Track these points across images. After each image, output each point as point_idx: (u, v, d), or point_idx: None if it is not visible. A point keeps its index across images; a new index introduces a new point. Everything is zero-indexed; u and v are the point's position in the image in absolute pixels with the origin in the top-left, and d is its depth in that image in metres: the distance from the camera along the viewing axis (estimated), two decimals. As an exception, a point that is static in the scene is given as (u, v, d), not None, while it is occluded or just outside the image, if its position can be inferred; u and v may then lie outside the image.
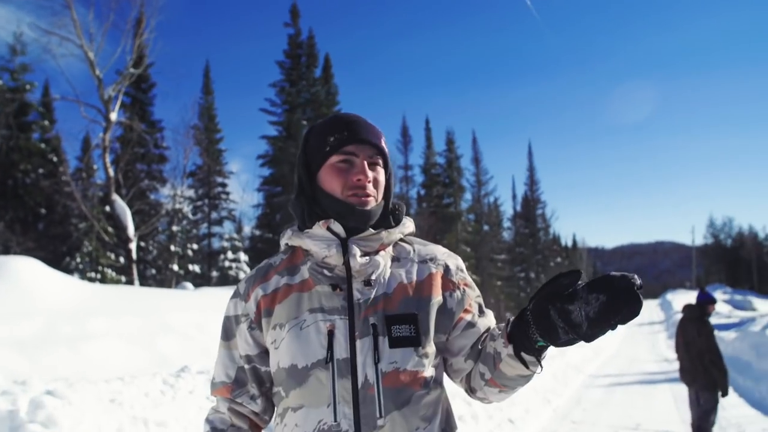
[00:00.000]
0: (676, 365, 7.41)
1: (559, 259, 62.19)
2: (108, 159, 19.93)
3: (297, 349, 1.37)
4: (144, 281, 25.29)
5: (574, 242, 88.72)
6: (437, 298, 1.43)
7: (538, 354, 1.33)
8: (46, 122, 30.05)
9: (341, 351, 1.34)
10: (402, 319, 1.36)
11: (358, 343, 1.34)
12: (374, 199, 1.42)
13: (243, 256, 27.45)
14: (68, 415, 3.86)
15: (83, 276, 21.39)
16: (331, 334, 1.35)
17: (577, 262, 75.14)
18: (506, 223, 55.10)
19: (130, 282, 19.09)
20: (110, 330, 9.30)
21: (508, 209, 60.13)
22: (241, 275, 26.40)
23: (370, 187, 1.40)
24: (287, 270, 1.48)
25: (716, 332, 6.82)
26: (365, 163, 1.41)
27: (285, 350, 1.39)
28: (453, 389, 1.74)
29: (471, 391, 1.54)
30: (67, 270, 20.66)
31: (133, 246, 18.89)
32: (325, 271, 1.41)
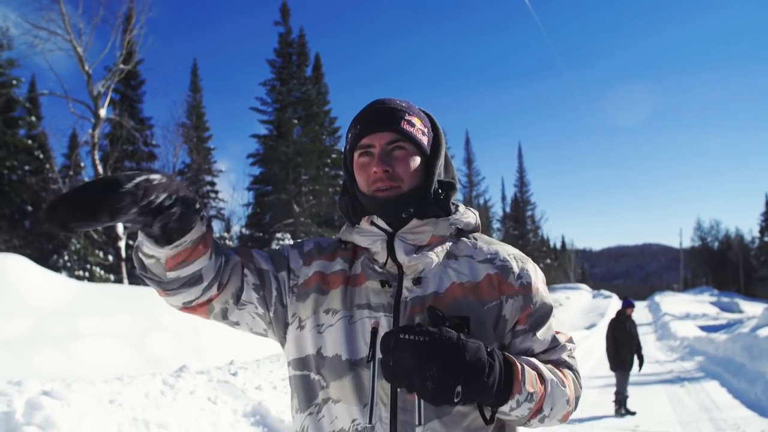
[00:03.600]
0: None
1: (548, 261, 62.51)
2: (97, 156, 19.75)
3: (342, 343, 1.32)
4: (133, 280, 25.00)
5: (563, 244, 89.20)
6: (493, 301, 1.31)
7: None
8: (33, 118, 29.72)
9: None
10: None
11: None
12: (399, 188, 1.31)
13: (233, 256, 27.28)
14: (67, 417, 3.72)
15: (71, 274, 21.13)
16: (374, 332, 1.29)
17: (565, 263, 75.55)
18: (496, 225, 55.39)
19: (119, 280, 18.94)
20: (100, 329, 9.17)
21: (497, 211, 60.45)
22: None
23: (389, 176, 1.30)
24: (349, 260, 1.42)
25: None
26: (382, 152, 1.31)
27: (330, 339, 1.34)
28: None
29: None
30: (55, 268, 20.42)
31: (122, 244, 18.71)
32: (376, 267, 1.35)
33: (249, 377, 5.99)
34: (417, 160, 1.34)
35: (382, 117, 1.33)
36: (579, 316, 41.21)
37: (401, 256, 1.31)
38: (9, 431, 3.44)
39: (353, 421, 1.28)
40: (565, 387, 1.30)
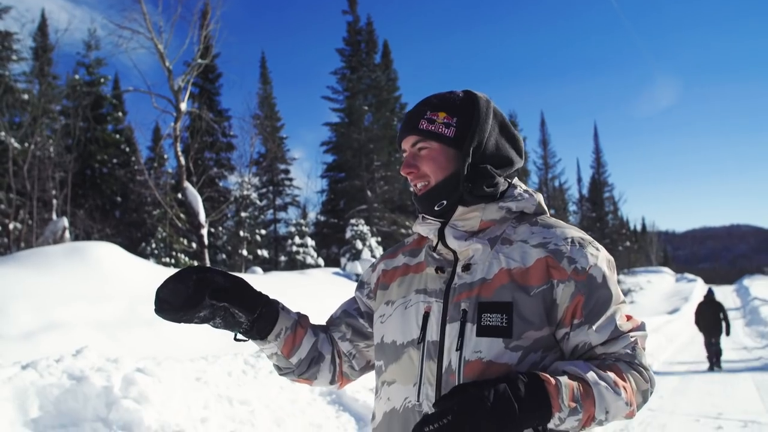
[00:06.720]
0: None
1: (628, 243, 60.44)
2: (179, 148, 20.46)
3: (398, 327, 1.42)
4: (215, 266, 25.87)
5: (644, 226, 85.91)
6: (542, 286, 1.29)
7: None
8: (119, 114, 31.35)
9: (432, 333, 1.34)
10: (495, 307, 1.28)
11: (447, 327, 1.32)
12: (426, 184, 1.40)
13: (310, 241, 27.93)
14: (158, 392, 4.02)
15: (158, 261, 22.17)
16: (426, 316, 1.36)
17: (646, 246, 72.86)
18: (572, 207, 54.04)
19: (202, 267, 19.61)
20: (187, 312, 9.60)
21: (574, 193, 58.91)
22: (309, 260, 26.85)
23: (416, 176, 1.41)
24: (411, 251, 1.55)
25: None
26: (410, 155, 1.42)
27: (390, 326, 1.45)
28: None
29: None
30: (143, 255, 21.45)
31: (204, 232, 19.41)
32: (435, 254, 1.44)
33: (325, 358, 6.22)
34: (443, 154, 1.38)
35: (407, 121, 1.44)
36: (661, 300, 39.69)
37: (452, 242, 1.37)
38: (108, 404, 3.77)
39: (405, 399, 1.35)
40: (619, 388, 1.23)
